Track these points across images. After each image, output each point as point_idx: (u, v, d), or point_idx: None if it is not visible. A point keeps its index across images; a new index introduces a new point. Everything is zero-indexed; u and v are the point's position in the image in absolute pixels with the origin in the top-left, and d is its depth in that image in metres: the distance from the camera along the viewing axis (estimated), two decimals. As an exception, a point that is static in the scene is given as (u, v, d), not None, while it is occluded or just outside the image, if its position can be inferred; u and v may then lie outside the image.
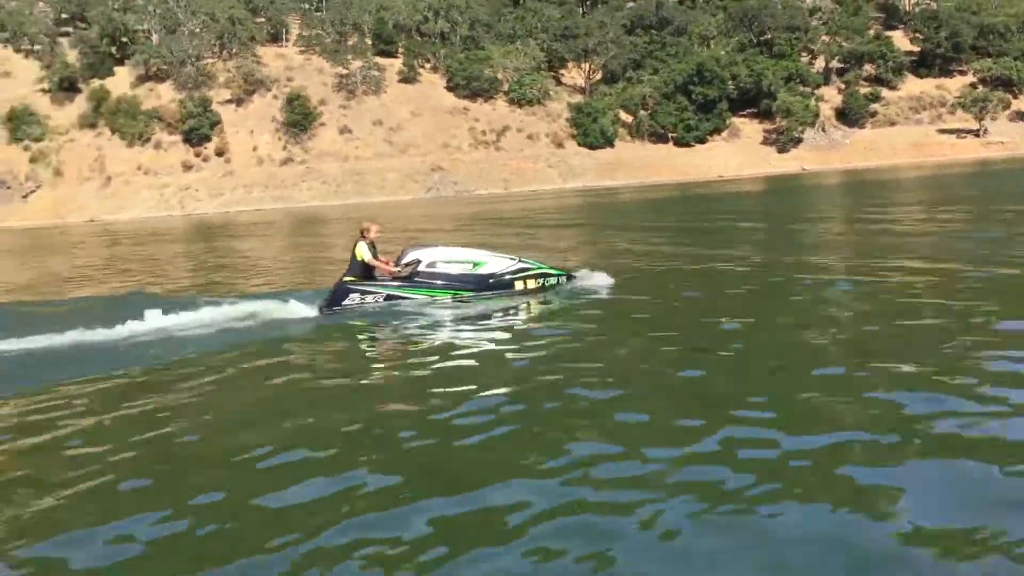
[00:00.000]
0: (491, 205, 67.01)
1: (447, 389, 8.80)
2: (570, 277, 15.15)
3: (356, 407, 8.47)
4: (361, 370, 10.57)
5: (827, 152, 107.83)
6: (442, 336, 12.22)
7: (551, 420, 7.51)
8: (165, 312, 13.36)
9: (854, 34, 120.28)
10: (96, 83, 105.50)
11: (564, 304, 13.80)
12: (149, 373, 10.67)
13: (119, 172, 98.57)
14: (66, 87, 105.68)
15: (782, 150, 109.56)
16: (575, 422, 7.32)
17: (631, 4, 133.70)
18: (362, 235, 14.31)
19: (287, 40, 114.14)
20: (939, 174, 67.80)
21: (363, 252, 14.08)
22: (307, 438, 7.41)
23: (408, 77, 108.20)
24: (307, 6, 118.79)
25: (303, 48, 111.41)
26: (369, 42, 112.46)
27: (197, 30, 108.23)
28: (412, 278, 14.22)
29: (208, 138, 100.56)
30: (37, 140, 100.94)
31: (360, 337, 12.77)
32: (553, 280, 14.89)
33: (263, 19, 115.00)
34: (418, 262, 14.29)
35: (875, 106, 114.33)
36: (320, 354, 11.52)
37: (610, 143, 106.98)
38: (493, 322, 12.95)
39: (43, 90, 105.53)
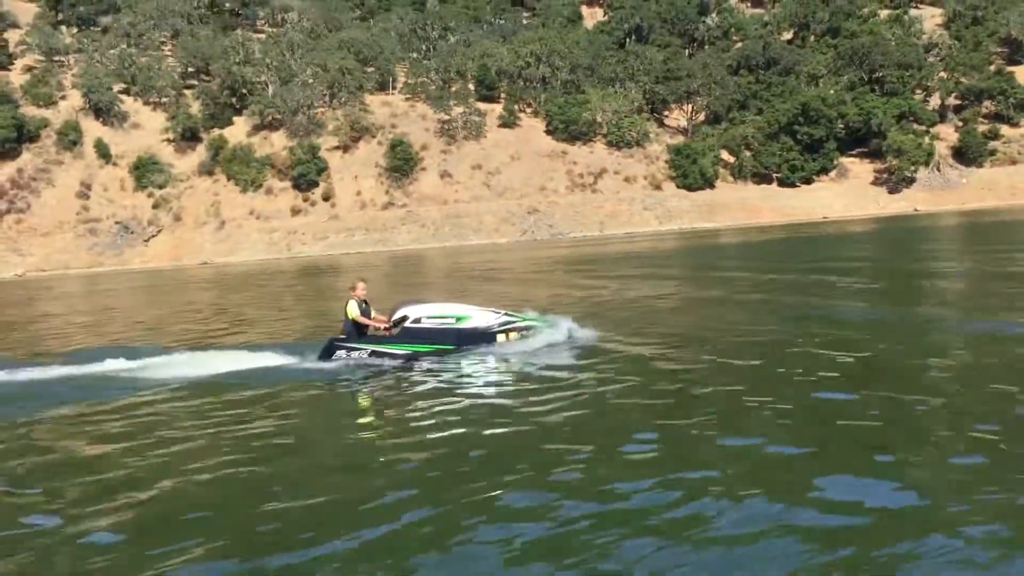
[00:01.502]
0: (578, 249, 67.21)
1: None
2: (558, 328, 15.33)
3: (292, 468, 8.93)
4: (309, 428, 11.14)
5: (941, 192, 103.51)
6: (413, 391, 12.74)
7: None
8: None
9: (972, 70, 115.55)
10: (216, 132, 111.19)
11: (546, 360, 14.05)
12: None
13: (232, 217, 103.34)
14: (188, 137, 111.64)
15: (893, 190, 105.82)
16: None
17: (739, 44, 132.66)
18: (351, 292, 15.06)
19: (394, 88, 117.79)
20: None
21: (352, 310, 14.77)
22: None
23: (508, 122, 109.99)
24: (415, 55, 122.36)
25: (408, 96, 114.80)
26: (472, 88, 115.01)
27: (309, 80, 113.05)
28: (398, 334, 14.84)
29: (316, 184, 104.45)
30: (160, 187, 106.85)
31: (332, 392, 13.31)
32: (538, 332, 15.13)
33: (372, 69, 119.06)
34: (405, 318, 14.85)
35: (994, 144, 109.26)
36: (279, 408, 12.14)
37: (710, 184, 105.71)
38: (462, 375, 13.45)
39: (167, 140, 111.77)
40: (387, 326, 14.87)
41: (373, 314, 15.10)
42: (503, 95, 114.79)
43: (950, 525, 6.08)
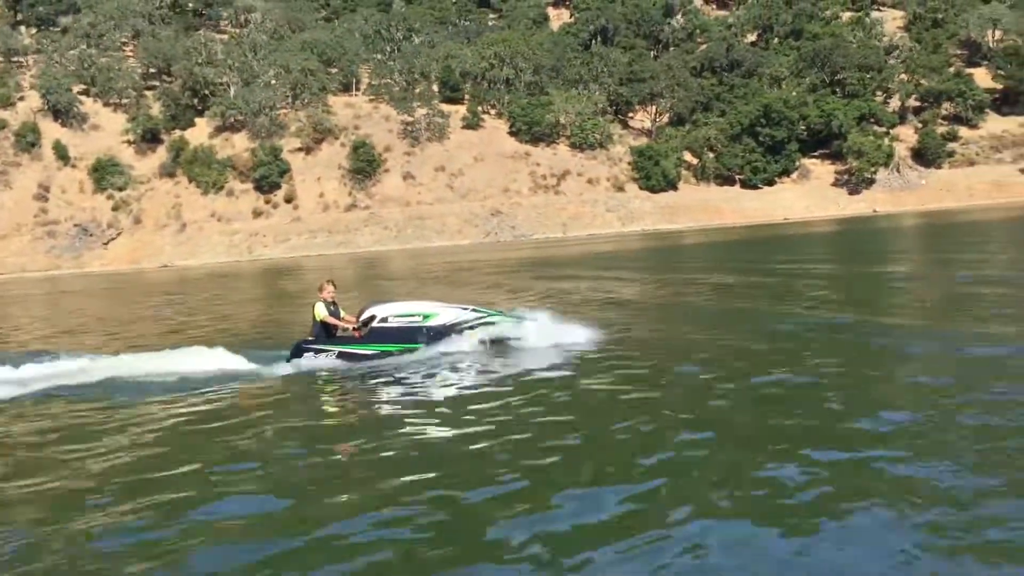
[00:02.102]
0: (542, 250, 67.26)
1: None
2: (526, 322, 15.22)
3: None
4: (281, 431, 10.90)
5: (901, 193, 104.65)
6: (380, 393, 12.80)
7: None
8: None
9: (932, 72, 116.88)
10: (177, 134, 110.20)
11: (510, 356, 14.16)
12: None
13: (193, 219, 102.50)
14: (149, 138, 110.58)
15: (853, 191, 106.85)
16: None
17: (704, 46, 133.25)
18: (319, 294, 14.89)
19: (358, 90, 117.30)
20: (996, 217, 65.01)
21: (320, 312, 14.62)
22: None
23: (471, 123, 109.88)
24: (379, 56, 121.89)
25: (372, 97, 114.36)
26: (436, 89, 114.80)
27: (272, 82, 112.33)
28: (366, 334, 14.68)
29: (278, 185, 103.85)
30: (120, 189, 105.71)
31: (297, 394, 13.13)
32: (506, 327, 15.02)
33: (336, 70, 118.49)
34: (373, 318, 14.68)
35: (953, 145, 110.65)
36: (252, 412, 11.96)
37: (673, 186, 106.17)
38: (430, 375, 13.34)
39: (128, 141, 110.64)
40: (355, 326, 14.74)
41: (343, 315, 14.96)
42: (467, 96, 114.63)
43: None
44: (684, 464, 7.80)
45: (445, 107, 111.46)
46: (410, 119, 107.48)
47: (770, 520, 6.31)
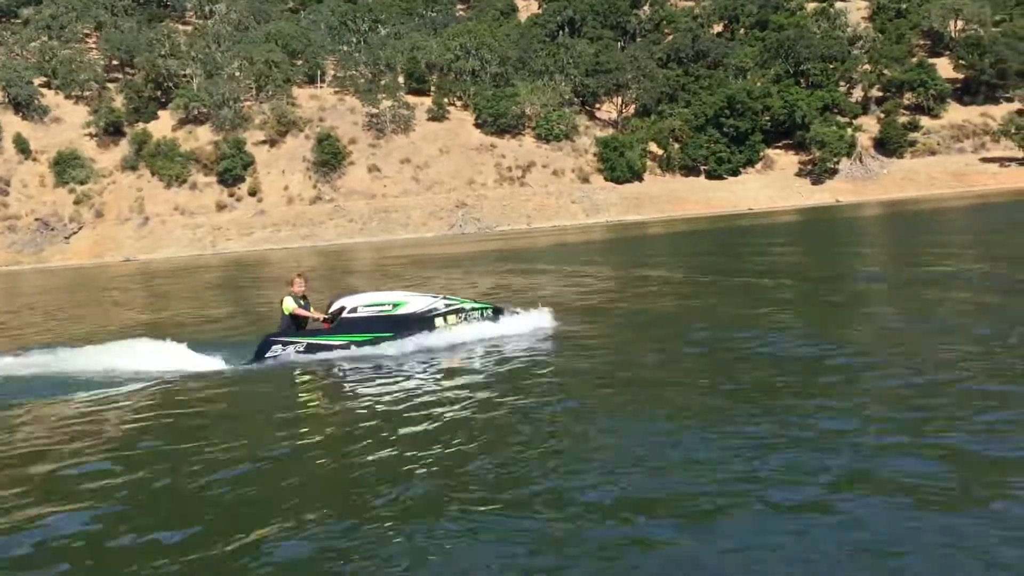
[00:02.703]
0: (503, 242, 67.39)
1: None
2: (497, 311, 15.44)
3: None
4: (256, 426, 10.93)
5: (863, 183, 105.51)
6: (345, 385, 12.85)
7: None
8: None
9: (894, 62, 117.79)
10: (140, 127, 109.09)
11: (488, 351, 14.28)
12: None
13: (156, 213, 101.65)
14: (112, 131, 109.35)
15: (816, 182, 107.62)
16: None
17: (670, 37, 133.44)
18: (288, 288, 14.95)
19: (323, 81, 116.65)
20: (957, 206, 65.84)
21: (288, 305, 14.62)
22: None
23: (437, 115, 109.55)
24: (345, 48, 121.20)
25: (337, 89, 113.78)
26: (401, 81, 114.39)
27: (236, 74, 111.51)
28: (335, 326, 14.67)
29: (242, 178, 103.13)
30: (82, 183, 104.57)
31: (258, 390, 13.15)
32: (477, 315, 15.17)
33: (300, 61, 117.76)
34: (342, 309, 14.68)
35: (915, 135, 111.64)
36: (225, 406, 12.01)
37: (638, 177, 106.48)
38: (400, 366, 13.39)
39: (90, 134, 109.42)
40: (325, 318, 14.73)
41: (312, 310, 14.92)
42: (433, 88, 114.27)
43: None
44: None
45: (411, 99, 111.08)
46: (375, 111, 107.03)
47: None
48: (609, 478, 7.35)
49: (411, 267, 43.61)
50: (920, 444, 7.83)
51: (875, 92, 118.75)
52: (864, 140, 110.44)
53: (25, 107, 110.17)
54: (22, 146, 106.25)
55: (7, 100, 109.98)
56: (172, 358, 14.21)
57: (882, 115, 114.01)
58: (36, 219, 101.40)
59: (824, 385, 10.33)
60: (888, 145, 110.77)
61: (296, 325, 14.71)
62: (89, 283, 57.09)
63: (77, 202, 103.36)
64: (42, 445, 10.19)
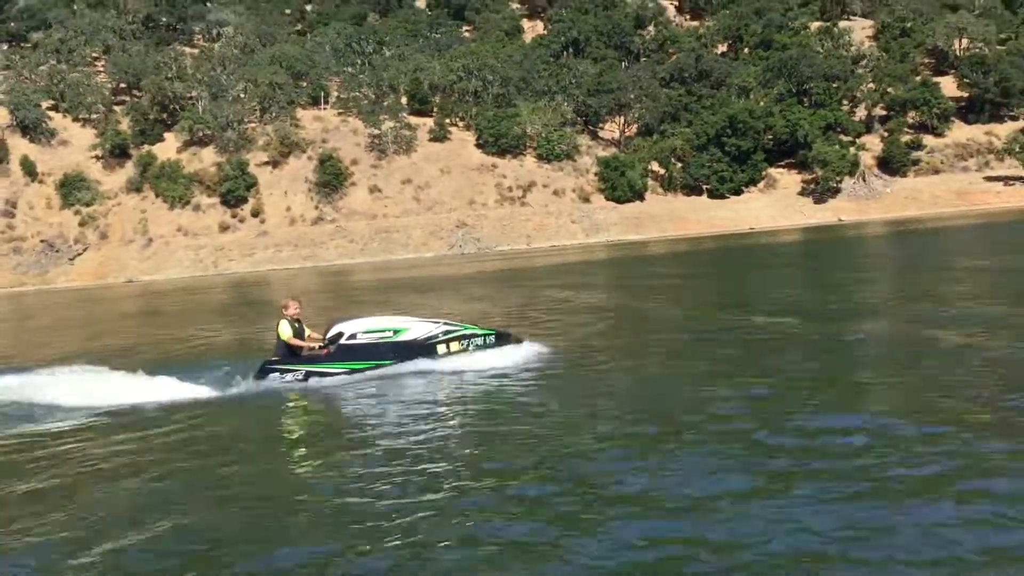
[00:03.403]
0: (500, 262, 67.56)
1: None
2: (500, 337, 15.17)
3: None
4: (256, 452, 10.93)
5: (866, 202, 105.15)
6: (348, 414, 12.71)
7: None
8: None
9: (898, 81, 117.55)
10: (145, 149, 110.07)
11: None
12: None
13: (160, 234, 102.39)
14: (117, 153, 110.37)
15: (819, 201, 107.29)
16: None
17: (674, 57, 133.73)
18: (283, 312, 14.62)
19: (327, 103, 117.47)
20: (959, 225, 65.51)
21: (284, 331, 14.32)
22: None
23: (439, 136, 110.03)
24: (350, 69, 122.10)
25: (341, 110, 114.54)
26: (404, 102, 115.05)
27: (240, 95, 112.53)
28: (334, 352, 14.39)
29: (244, 199, 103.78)
30: (87, 204, 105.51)
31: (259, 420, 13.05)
32: (479, 341, 14.88)
33: (305, 83, 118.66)
34: (340, 335, 14.40)
35: (919, 154, 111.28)
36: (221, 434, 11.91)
37: (639, 196, 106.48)
38: (402, 393, 13.29)
39: (96, 156, 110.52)
40: (322, 345, 14.45)
41: (308, 333, 14.65)
42: (435, 109, 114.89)
43: None
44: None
45: (414, 119, 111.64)
46: (377, 132, 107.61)
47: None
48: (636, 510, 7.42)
49: (407, 292, 43.58)
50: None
51: (879, 111, 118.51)
52: (867, 159, 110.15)
53: (33, 130, 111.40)
54: (29, 168, 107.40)
55: (15, 123, 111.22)
56: (162, 387, 14.02)
57: (885, 134, 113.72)
58: (42, 241, 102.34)
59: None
60: (891, 164, 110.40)
61: (291, 351, 14.45)
62: (92, 304, 57.50)
63: (82, 224, 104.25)
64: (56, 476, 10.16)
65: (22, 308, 58.47)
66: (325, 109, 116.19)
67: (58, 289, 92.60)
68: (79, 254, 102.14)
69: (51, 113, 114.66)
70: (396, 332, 14.49)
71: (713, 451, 8.84)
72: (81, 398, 13.67)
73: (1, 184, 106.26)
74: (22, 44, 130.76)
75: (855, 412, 10.12)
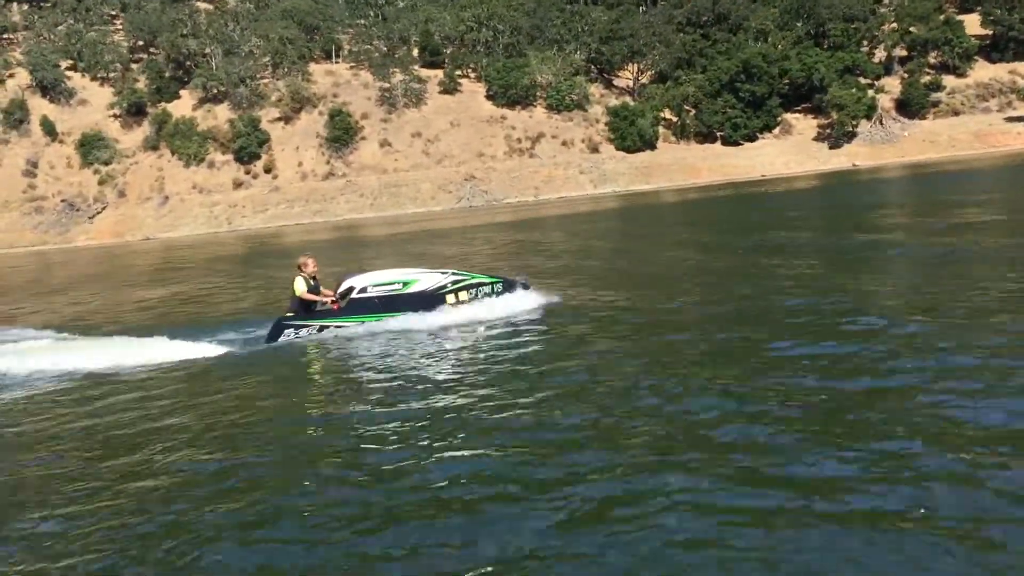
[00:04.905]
0: (502, 215, 67.95)
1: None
2: (507, 285, 15.56)
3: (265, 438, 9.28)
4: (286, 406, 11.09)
5: (882, 146, 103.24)
6: (363, 368, 12.69)
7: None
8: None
9: (919, 21, 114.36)
10: (161, 107, 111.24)
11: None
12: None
13: (176, 192, 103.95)
14: (134, 112, 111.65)
15: (834, 146, 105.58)
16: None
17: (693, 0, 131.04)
18: (299, 270, 15.11)
19: (339, 57, 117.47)
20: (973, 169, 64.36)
21: (299, 286, 14.87)
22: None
23: (449, 88, 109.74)
24: (362, 22, 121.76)
25: (352, 64, 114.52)
26: (416, 54, 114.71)
27: (253, 51, 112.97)
28: (345, 307, 14.88)
29: (257, 156, 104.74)
30: (106, 163, 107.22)
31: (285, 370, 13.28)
32: (487, 289, 15.31)
33: (317, 38, 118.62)
34: (352, 289, 14.90)
35: (938, 95, 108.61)
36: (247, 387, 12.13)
37: (650, 146, 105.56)
38: (415, 343, 13.58)
39: (114, 115, 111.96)
40: (334, 299, 14.93)
41: (321, 290, 15.13)
42: (446, 61, 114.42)
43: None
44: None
45: (425, 72, 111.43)
46: (387, 86, 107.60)
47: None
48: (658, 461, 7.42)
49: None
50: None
51: (899, 52, 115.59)
52: (885, 102, 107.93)
53: (52, 90, 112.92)
54: (49, 128, 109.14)
55: (35, 84, 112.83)
56: (179, 347, 14.27)
57: (905, 75, 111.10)
58: (62, 200, 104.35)
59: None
60: (910, 106, 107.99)
61: (305, 308, 14.92)
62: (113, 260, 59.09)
63: (101, 183, 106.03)
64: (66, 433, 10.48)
65: (85, 265, 60.24)
66: (337, 63, 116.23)
67: (79, 247, 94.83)
68: (98, 213, 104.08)
69: (69, 73, 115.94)
70: (405, 284, 14.95)
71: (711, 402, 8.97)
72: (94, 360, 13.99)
73: (22, 144, 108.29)
74: (40, 4, 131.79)
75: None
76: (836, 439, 7.57)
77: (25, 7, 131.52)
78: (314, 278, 15.04)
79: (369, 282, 14.97)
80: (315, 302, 14.98)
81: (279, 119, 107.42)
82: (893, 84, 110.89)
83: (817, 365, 9.98)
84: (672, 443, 7.87)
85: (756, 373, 9.84)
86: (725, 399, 8.94)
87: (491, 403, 9.68)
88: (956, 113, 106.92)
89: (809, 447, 7.43)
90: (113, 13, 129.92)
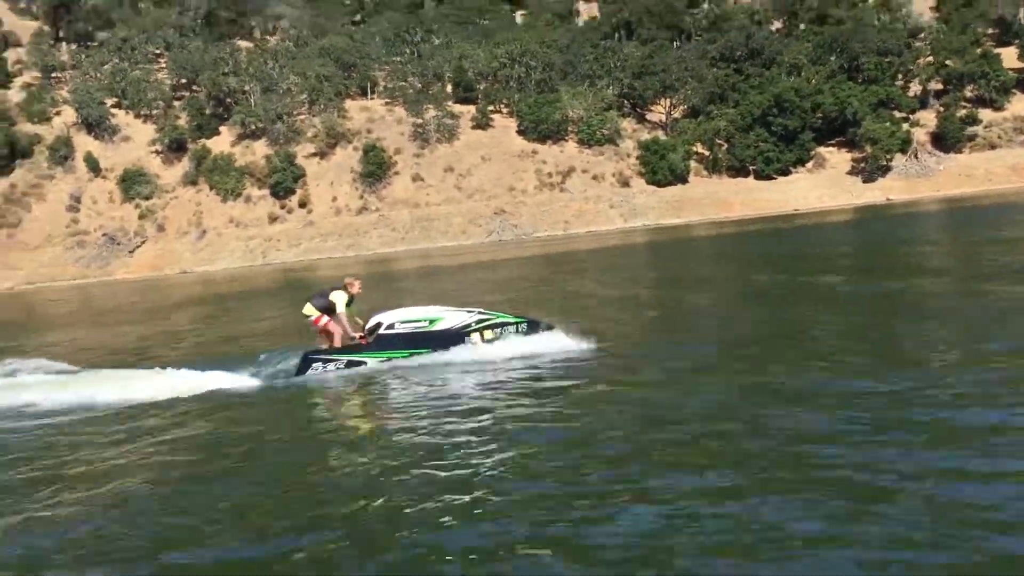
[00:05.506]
0: (536, 248, 68.42)
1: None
2: (532, 325, 15.61)
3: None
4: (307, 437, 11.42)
5: (917, 180, 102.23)
6: (387, 404, 13.05)
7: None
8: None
9: (955, 54, 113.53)
10: (201, 143, 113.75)
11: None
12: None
13: (213, 226, 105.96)
14: (175, 148, 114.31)
15: (868, 180, 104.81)
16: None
17: (727, 35, 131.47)
18: (345, 288, 15.51)
19: (374, 93, 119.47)
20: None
21: (339, 300, 15.27)
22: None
23: (481, 123, 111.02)
24: (399, 59, 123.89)
25: (387, 100, 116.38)
26: (449, 90, 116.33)
27: (290, 88, 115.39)
28: (372, 343, 15.18)
29: (292, 191, 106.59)
30: (146, 198, 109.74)
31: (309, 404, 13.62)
32: (512, 329, 15.42)
33: (354, 75, 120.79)
34: (379, 325, 15.22)
35: (975, 129, 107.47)
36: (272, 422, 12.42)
37: (681, 180, 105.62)
38: (436, 383, 13.59)
39: (155, 151, 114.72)
40: (362, 335, 15.26)
41: (355, 314, 15.56)
42: (479, 96, 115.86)
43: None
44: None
45: (458, 107, 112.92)
46: (420, 121, 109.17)
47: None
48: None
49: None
50: None
51: (935, 85, 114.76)
52: (921, 135, 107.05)
53: (96, 127, 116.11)
54: (92, 164, 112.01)
55: (80, 121, 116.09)
56: (206, 379, 14.57)
57: (941, 109, 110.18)
58: (103, 234, 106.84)
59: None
60: (946, 140, 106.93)
61: (330, 312, 15.26)
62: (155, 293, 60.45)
63: (141, 217, 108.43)
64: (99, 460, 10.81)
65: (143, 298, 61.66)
66: (372, 99, 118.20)
67: (118, 280, 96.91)
68: (138, 247, 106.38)
69: (114, 110, 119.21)
70: (431, 322, 15.12)
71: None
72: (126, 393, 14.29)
73: (67, 180, 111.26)
74: (88, 44, 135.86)
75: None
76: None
77: (73, 47, 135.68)
78: (352, 298, 15.49)
79: (397, 318, 15.24)
80: (334, 336, 15.27)
81: (314, 154, 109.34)
82: (929, 118, 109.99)
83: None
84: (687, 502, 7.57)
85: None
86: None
87: (511, 446, 9.67)
88: (993, 147, 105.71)
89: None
90: (157, 52, 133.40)
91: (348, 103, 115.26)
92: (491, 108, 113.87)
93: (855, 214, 77.46)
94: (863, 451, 8.24)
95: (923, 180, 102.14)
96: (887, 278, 23.84)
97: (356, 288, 15.50)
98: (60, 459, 10.96)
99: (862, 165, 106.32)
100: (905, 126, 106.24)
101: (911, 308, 17.77)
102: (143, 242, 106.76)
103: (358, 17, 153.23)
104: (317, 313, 15.48)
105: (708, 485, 7.72)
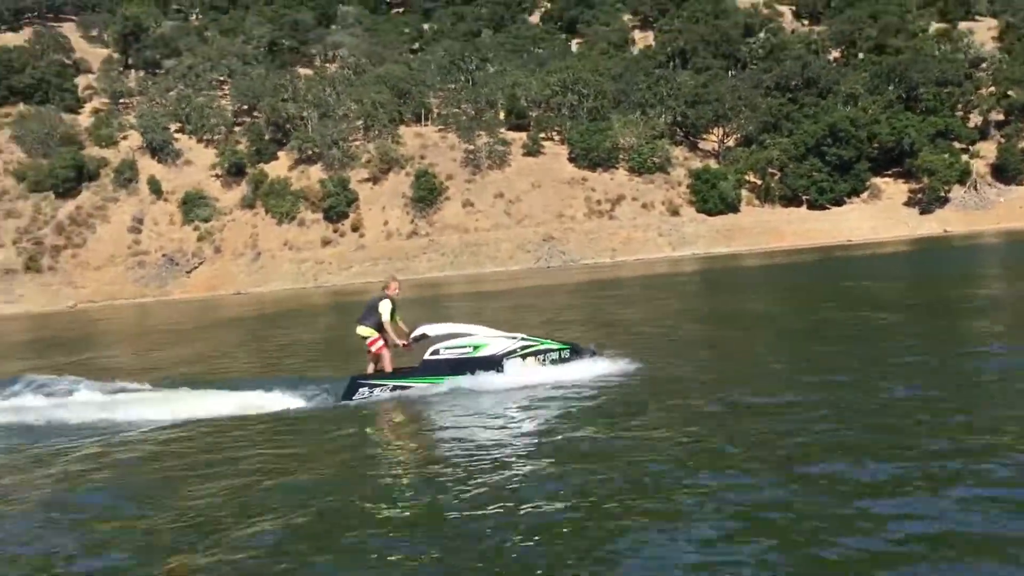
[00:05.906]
0: (574, 276, 68.68)
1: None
2: (575, 351, 15.83)
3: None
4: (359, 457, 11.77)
5: (975, 212, 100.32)
6: (433, 428, 13.45)
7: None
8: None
9: (1016, 84, 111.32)
10: (259, 167, 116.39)
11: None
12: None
13: (268, 248, 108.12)
14: (234, 172, 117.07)
15: (925, 211, 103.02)
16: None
17: (783, 65, 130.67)
18: (387, 296, 15.94)
19: (428, 120, 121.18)
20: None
21: (385, 310, 15.71)
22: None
23: (532, 150, 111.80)
24: (452, 86, 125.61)
25: (441, 127, 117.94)
26: (502, 117, 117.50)
27: (347, 114, 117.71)
28: (417, 368, 15.75)
29: (345, 215, 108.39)
30: (205, 220, 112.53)
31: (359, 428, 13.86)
32: (555, 355, 15.65)
33: (409, 101, 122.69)
34: (424, 336, 15.73)
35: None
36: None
37: (732, 208, 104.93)
38: (482, 408, 13.93)
39: (215, 175, 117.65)
40: (406, 343, 15.79)
41: (398, 320, 15.99)
42: (531, 124, 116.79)
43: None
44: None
45: (511, 134, 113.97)
46: (472, 147, 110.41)
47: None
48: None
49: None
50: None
51: (996, 116, 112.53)
52: (981, 167, 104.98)
53: (160, 151, 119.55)
54: (155, 187, 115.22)
55: (145, 145, 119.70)
56: (255, 398, 15.24)
57: (1002, 140, 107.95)
58: (163, 255, 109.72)
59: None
60: (1006, 172, 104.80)
61: (377, 323, 15.63)
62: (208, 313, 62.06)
63: (200, 239, 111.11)
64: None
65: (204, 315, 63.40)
66: (426, 125, 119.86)
67: (175, 300, 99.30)
68: (195, 268, 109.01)
69: (177, 135, 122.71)
70: (476, 348, 15.39)
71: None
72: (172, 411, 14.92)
73: (130, 202, 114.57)
74: (155, 71, 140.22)
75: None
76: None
77: (141, 73, 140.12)
78: (394, 301, 15.82)
79: (441, 334, 15.63)
80: (388, 336, 15.65)
81: (367, 179, 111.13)
82: (989, 149, 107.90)
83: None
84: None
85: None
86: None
87: (552, 468, 9.82)
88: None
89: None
90: (221, 79, 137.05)
91: (402, 129, 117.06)
92: (542, 135, 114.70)
93: (912, 246, 75.99)
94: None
95: (982, 212, 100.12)
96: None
97: (394, 288, 15.85)
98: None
99: (919, 196, 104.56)
100: (964, 157, 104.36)
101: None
102: (200, 263, 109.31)
103: (416, 46, 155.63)
104: (374, 334, 15.80)
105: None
